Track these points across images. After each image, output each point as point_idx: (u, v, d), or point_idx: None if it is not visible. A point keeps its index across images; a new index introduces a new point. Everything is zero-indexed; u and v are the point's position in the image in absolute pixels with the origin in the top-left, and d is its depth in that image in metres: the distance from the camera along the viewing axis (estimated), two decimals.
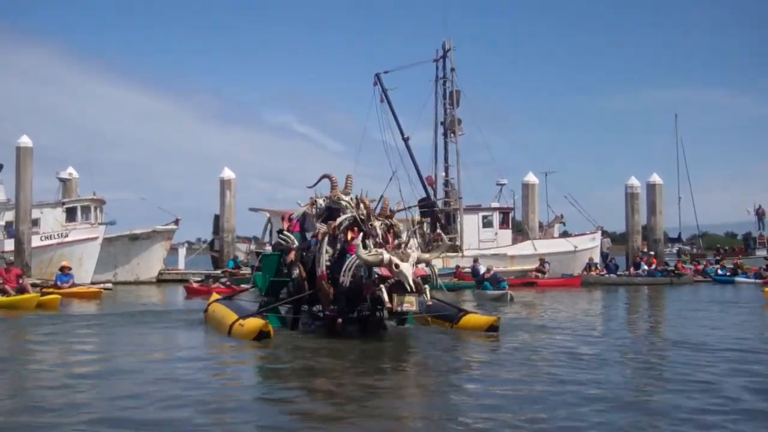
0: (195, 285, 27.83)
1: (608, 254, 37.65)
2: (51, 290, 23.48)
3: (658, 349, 12.41)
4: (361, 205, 13.86)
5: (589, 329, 15.21)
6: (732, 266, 36.49)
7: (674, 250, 46.43)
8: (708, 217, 69.67)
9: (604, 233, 39.20)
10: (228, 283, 26.84)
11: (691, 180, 54.50)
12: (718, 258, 40.96)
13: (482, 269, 27.10)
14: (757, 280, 33.18)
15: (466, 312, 14.77)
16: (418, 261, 12.54)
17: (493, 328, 13.41)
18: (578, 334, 14.09)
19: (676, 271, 34.54)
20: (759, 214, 47.03)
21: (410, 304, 12.09)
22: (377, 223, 13.51)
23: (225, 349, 12.30)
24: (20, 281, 20.28)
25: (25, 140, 32.08)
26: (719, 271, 35.79)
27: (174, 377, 9.43)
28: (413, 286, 11.97)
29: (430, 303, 13.16)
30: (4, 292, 19.79)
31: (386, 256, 12.09)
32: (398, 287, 11.98)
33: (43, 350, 12.30)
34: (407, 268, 11.98)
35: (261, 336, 12.30)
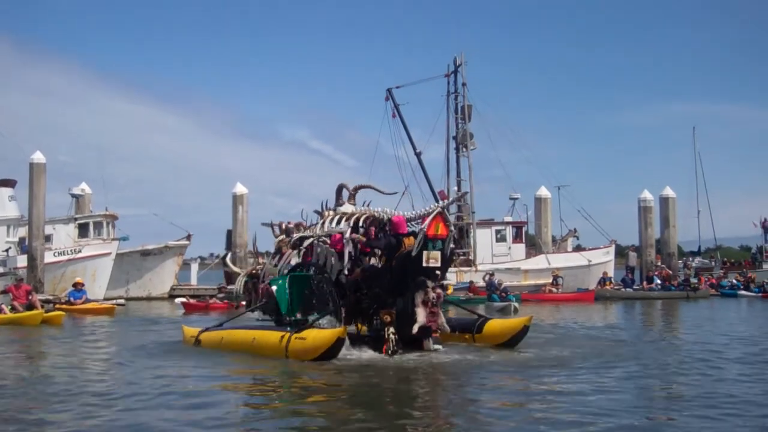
0: (191, 301, 27.80)
1: (634, 268, 37.22)
2: (64, 307, 23.56)
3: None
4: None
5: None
6: (744, 279, 36.31)
7: (681, 264, 45.97)
8: (724, 231, 69.12)
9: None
10: (224, 298, 26.98)
11: (708, 193, 54.02)
12: (718, 273, 40.75)
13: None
14: (758, 294, 33.32)
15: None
16: None
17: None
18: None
19: (691, 285, 34.30)
20: (765, 227, 46.95)
21: None
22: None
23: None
24: (29, 297, 20.35)
25: (39, 156, 32.36)
26: (734, 283, 35.62)
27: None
28: None
29: None
30: (14, 309, 19.89)
31: None
32: None
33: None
34: None
35: (338, 345, 11.20)
